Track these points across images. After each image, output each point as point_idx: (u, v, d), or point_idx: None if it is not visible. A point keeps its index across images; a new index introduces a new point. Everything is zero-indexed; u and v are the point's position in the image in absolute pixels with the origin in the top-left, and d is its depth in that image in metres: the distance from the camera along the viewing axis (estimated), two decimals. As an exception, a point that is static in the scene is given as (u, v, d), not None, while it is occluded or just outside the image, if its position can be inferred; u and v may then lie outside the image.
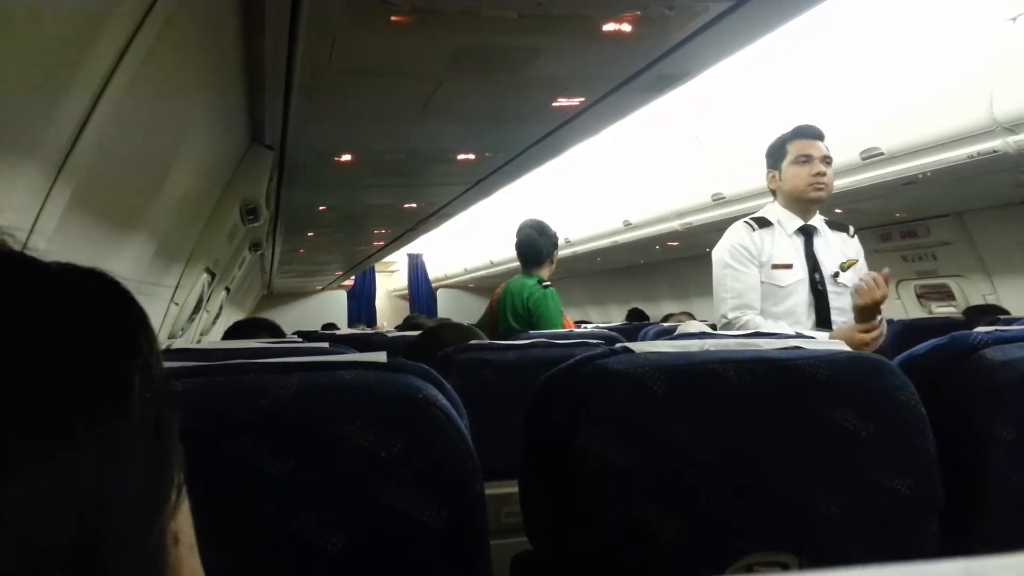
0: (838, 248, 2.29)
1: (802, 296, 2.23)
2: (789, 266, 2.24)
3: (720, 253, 2.32)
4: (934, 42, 2.63)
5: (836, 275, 2.24)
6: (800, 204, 2.28)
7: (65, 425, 0.27)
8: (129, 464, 0.29)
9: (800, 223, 2.29)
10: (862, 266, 2.29)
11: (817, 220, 2.31)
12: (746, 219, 2.33)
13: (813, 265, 2.25)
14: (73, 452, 0.27)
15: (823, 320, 2.21)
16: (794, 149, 2.27)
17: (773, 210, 2.33)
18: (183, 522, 0.34)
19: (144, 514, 0.30)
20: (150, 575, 0.31)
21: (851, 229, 2.36)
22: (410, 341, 2.21)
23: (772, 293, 2.25)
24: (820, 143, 2.27)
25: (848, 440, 0.85)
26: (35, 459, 0.26)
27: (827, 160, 2.26)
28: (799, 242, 2.28)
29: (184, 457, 0.34)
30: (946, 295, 4.31)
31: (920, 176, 2.88)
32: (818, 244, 2.28)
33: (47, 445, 0.27)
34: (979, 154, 2.57)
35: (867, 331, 2.03)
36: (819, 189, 2.24)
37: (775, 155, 2.33)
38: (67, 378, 0.28)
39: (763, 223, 2.30)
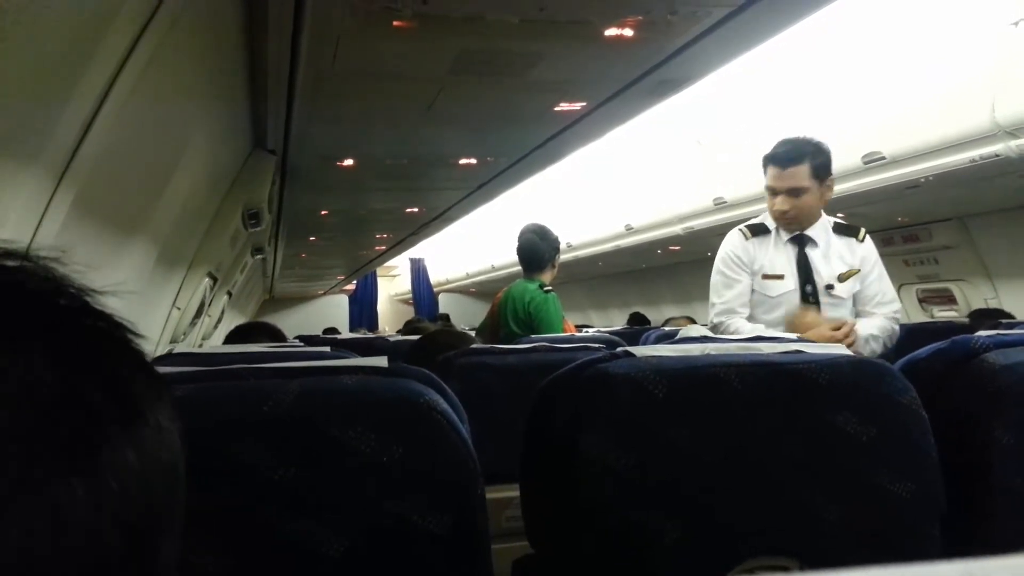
0: (839, 256, 2.22)
1: (792, 307, 2.20)
2: (780, 276, 2.22)
3: (716, 259, 2.32)
4: (936, 46, 2.63)
5: (830, 287, 2.19)
6: None
7: (68, 425, 0.28)
8: (139, 465, 0.30)
9: (794, 232, 2.24)
10: (871, 271, 2.22)
11: (822, 225, 2.24)
12: (741, 226, 2.31)
13: (805, 276, 2.21)
14: (76, 451, 0.27)
15: None
16: (767, 175, 2.23)
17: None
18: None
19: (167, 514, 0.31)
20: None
21: (861, 233, 2.26)
22: (411, 345, 2.21)
23: (763, 302, 2.24)
24: (790, 169, 2.16)
25: (849, 444, 0.85)
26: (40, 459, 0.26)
27: (795, 191, 2.16)
28: (792, 252, 2.24)
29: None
30: (948, 299, 4.30)
31: (922, 180, 2.88)
32: (815, 254, 2.22)
33: (49, 446, 0.27)
34: (981, 158, 2.57)
35: (835, 328, 2.10)
36: (786, 221, 2.22)
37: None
38: (69, 377, 0.29)
39: (759, 230, 2.27)
